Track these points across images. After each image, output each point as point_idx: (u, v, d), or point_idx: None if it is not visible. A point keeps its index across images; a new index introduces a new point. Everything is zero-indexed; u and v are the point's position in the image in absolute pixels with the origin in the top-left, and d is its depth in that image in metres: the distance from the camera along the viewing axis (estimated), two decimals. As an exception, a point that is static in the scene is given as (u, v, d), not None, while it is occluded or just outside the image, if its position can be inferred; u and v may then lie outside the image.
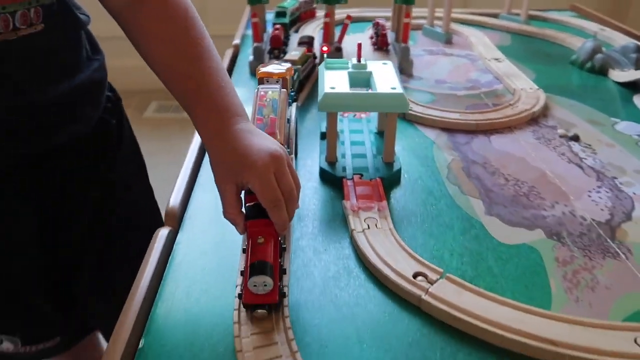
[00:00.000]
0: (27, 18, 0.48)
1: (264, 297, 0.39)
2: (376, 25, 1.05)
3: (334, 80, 0.61)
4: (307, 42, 0.92)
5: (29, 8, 0.48)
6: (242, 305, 0.41)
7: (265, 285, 0.39)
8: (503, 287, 0.46)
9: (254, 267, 0.39)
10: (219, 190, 0.44)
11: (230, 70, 0.98)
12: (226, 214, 0.44)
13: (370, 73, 0.63)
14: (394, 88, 0.59)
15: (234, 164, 0.43)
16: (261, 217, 0.42)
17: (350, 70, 0.63)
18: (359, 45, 0.65)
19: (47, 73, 0.53)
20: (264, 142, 0.44)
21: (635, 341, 0.39)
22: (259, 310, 0.40)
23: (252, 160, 0.42)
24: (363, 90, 0.60)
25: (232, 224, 0.44)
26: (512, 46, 1.15)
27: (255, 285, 0.39)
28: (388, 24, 1.06)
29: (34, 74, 0.51)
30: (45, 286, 0.63)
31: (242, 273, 0.41)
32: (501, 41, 1.17)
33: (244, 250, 0.44)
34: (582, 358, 0.38)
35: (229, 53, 1.05)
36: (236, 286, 0.43)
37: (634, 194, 0.60)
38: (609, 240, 0.53)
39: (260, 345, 0.38)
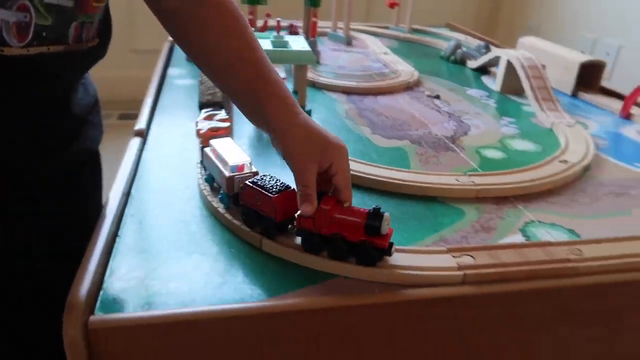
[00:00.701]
0: (89, 31, 0.51)
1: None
2: (290, 27, 1.29)
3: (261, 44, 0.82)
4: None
5: (92, 22, 0.51)
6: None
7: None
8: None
9: (376, 211, 0.45)
10: (299, 172, 0.46)
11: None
12: (306, 191, 0.45)
13: (287, 41, 0.85)
14: (304, 47, 0.82)
15: (319, 146, 0.46)
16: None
17: (271, 39, 0.86)
18: (268, 15, 0.88)
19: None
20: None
21: (457, 180, 0.64)
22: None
23: (336, 142, 0.47)
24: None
25: (307, 201, 0.45)
26: (398, 48, 1.44)
27: (387, 224, 0.45)
28: (300, 28, 1.30)
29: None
30: None
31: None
32: (390, 45, 1.46)
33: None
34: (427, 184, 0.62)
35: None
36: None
37: (472, 123, 0.87)
38: (450, 144, 0.78)
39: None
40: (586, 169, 0.71)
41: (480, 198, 0.62)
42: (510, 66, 1.03)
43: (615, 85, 1.55)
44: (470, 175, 0.65)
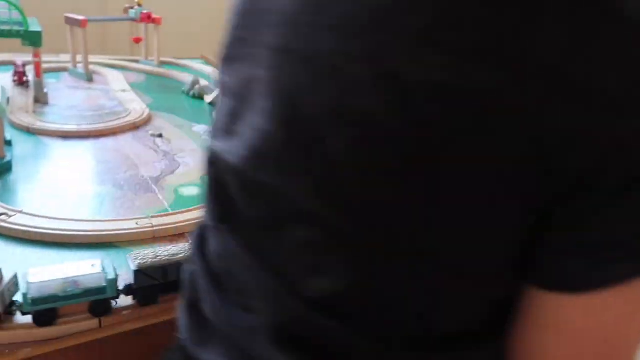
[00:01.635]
0: None
1: None
2: (15, 66, 1.24)
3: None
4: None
5: None
6: None
7: None
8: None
9: None
10: None
11: None
12: None
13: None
14: (-7, 100, 0.80)
15: None
16: None
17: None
18: None
19: None
20: None
21: (137, 223, 0.70)
22: None
23: None
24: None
25: None
26: (145, 83, 1.48)
27: None
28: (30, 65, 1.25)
29: None
30: None
31: None
32: (137, 79, 1.49)
33: None
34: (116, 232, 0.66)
35: None
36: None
37: (183, 161, 0.95)
38: (153, 185, 0.85)
39: None
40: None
41: (157, 238, 0.69)
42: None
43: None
44: (152, 217, 0.72)
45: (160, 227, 0.70)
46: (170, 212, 0.75)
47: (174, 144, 1.04)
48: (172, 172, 0.90)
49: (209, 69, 1.66)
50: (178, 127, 1.14)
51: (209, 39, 2.62)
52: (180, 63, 1.72)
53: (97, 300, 0.53)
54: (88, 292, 0.52)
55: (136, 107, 1.20)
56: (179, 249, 0.58)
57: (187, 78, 1.52)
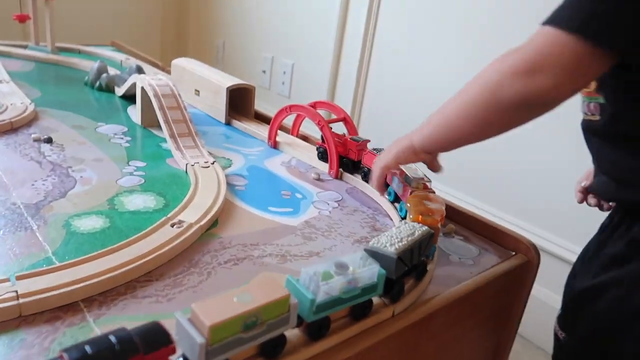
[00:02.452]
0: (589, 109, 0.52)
1: None
2: None
3: None
4: None
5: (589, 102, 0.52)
6: None
7: None
8: None
9: None
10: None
11: None
12: None
13: None
14: None
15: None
16: None
17: None
18: None
19: None
20: None
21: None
22: None
23: None
24: None
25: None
26: (33, 72, 1.14)
27: None
28: None
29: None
30: None
31: None
32: (22, 68, 1.15)
33: None
34: None
35: None
36: None
37: (81, 177, 0.66)
38: (28, 217, 0.54)
39: None
40: (211, 228, 0.57)
41: (26, 318, 0.40)
42: (146, 95, 0.85)
43: (294, 99, 1.57)
44: (19, 277, 0.43)
45: (34, 298, 0.41)
46: (56, 265, 0.46)
47: (69, 151, 0.73)
48: (63, 195, 0.61)
49: (121, 56, 1.34)
50: (76, 128, 0.83)
51: (122, 22, 2.28)
52: (85, 50, 1.38)
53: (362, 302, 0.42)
54: (365, 291, 0.41)
55: (15, 101, 0.87)
56: (412, 227, 0.48)
57: (92, 66, 1.20)
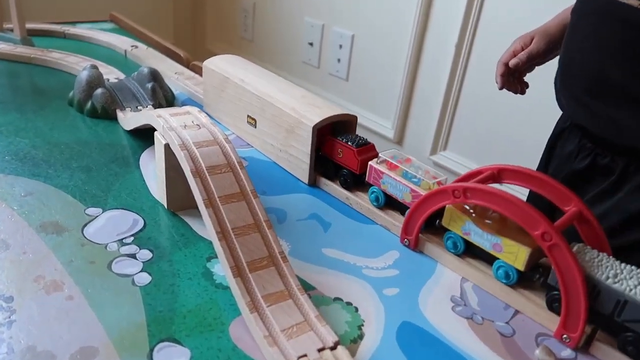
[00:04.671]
0: None
1: None
2: None
3: None
4: None
5: None
6: None
7: None
8: None
9: None
10: None
11: None
12: None
13: None
14: None
15: None
16: None
17: None
18: None
19: None
20: None
21: None
22: None
23: None
24: None
25: None
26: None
27: None
28: None
29: None
30: None
31: None
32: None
33: None
34: None
35: None
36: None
37: None
38: None
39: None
40: None
41: None
42: (173, 158, 0.44)
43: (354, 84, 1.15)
44: None
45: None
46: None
47: (24, 323, 0.34)
48: None
49: (124, 42, 0.92)
50: (46, 230, 0.43)
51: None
52: (72, 32, 0.96)
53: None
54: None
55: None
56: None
57: (78, 75, 0.79)
